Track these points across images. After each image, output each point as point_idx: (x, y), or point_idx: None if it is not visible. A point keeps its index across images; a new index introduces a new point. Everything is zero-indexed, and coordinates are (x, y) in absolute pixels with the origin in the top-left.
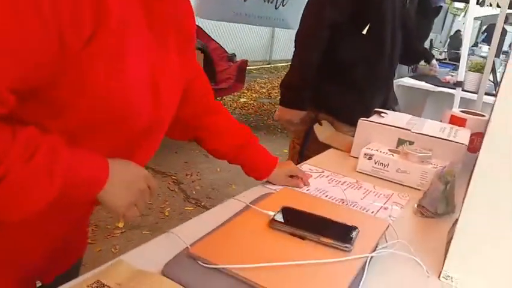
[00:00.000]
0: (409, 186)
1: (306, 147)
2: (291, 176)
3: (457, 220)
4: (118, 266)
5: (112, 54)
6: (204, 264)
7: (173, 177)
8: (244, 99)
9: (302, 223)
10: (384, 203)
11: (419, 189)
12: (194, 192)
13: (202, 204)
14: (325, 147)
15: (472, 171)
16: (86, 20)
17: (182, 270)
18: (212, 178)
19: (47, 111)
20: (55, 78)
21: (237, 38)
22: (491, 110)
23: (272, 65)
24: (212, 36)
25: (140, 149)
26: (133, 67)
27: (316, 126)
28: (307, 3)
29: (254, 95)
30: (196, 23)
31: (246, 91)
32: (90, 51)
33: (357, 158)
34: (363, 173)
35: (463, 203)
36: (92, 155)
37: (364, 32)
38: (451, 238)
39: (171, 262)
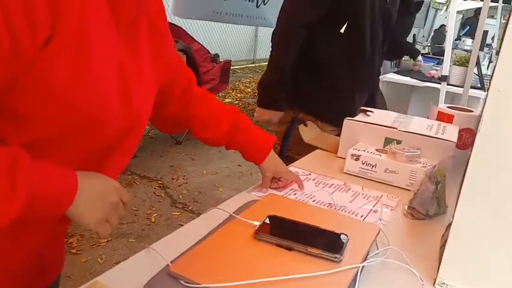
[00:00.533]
0: (398, 187)
1: (289, 148)
2: (277, 178)
3: (450, 223)
4: None
5: (73, 56)
6: (186, 284)
7: (159, 182)
8: (229, 100)
9: (289, 233)
10: (374, 206)
11: (408, 190)
12: (181, 197)
13: (190, 208)
14: (308, 147)
15: (465, 170)
16: (42, 20)
17: None
18: (198, 181)
19: (9, 125)
20: (13, 86)
21: (220, 38)
22: (482, 108)
23: (256, 64)
24: (194, 37)
25: (114, 156)
26: (98, 71)
27: (301, 128)
28: (283, 2)
29: (239, 95)
30: (178, 24)
31: (231, 91)
32: (49, 53)
33: (344, 158)
34: (350, 174)
35: (456, 204)
36: (60, 168)
37: (342, 30)
38: (445, 242)
39: (151, 282)
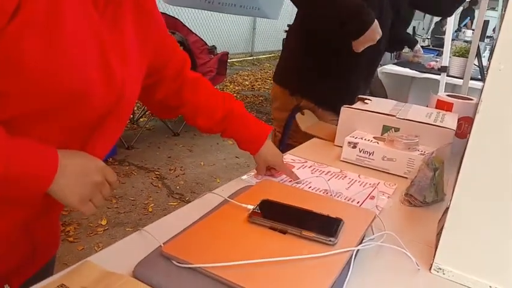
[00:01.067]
0: (395, 175)
1: (289, 136)
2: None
3: (447, 208)
4: (85, 268)
5: (44, 30)
6: (178, 264)
7: (157, 173)
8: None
9: (283, 216)
10: (370, 193)
11: (405, 177)
12: (178, 187)
13: (187, 199)
14: (309, 136)
15: (462, 157)
16: None
17: (155, 271)
18: (196, 172)
19: None
20: None
21: (218, 31)
22: (480, 93)
23: (254, 57)
24: (191, 29)
25: (99, 136)
26: (72, 44)
27: (298, 116)
28: None
29: (237, 88)
30: (175, 16)
31: (229, 84)
32: (17, 27)
33: (341, 147)
34: (347, 162)
35: (453, 190)
36: (40, 146)
37: None
38: (442, 228)
39: (143, 262)
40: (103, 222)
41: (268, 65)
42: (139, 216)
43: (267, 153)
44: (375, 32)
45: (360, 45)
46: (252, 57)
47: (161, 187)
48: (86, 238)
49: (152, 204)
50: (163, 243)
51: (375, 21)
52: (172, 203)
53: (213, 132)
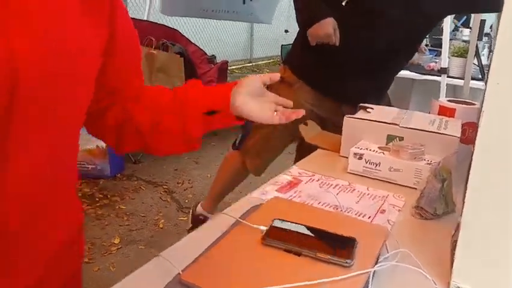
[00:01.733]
0: (404, 186)
1: None
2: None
3: (459, 224)
4: None
5: None
6: None
7: (165, 187)
8: None
9: (296, 237)
10: (381, 206)
11: (415, 188)
12: (187, 201)
13: None
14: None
15: (470, 165)
16: None
17: None
18: (203, 184)
19: None
20: None
21: (215, 39)
22: (482, 100)
23: (254, 63)
24: (190, 39)
25: (19, 145)
26: None
27: (301, 127)
28: None
29: None
30: (173, 27)
31: None
32: None
33: (347, 157)
34: (355, 174)
35: (463, 201)
36: None
37: (343, 3)
38: (455, 243)
39: None
40: (116, 241)
41: (268, 70)
42: (151, 233)
43: (236, 91)
44: (322, 28)
45: (312, 37)
46: (251, 64)
47: (171, 201)
48: (101, 258)
49: (162, 220)
50: (182, 271)
51: (327, 19)
52: (182, 218)
53: (188, 133)
